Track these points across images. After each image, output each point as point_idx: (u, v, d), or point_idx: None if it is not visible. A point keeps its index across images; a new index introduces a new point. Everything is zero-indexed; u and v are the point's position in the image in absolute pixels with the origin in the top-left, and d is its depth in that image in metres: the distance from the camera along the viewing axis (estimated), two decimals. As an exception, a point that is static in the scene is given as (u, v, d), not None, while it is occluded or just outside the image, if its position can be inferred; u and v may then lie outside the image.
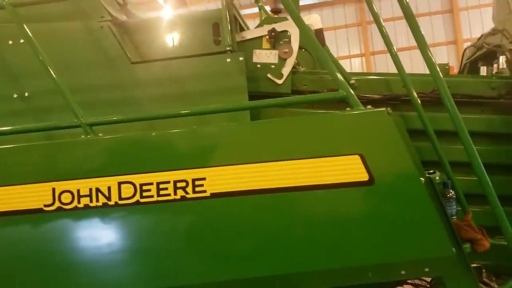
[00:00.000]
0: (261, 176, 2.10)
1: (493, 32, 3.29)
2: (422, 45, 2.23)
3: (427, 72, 2.28)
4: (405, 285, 3.04)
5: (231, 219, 2.14)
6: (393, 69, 2.80)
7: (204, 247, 2.17)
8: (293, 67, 3.02)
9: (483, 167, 2.17)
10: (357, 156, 2.04)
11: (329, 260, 2.11)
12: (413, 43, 2.36)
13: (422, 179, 2.04)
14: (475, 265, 2.65)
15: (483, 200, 2.33)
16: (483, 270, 2.71)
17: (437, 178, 2.17)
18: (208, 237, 2.16)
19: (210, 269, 2.17)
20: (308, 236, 2.11)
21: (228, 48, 2.79)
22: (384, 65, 16.35)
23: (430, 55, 2.24)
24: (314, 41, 2.25)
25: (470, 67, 3.75)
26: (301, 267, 2.12)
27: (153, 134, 2.26)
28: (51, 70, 2.35)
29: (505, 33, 3.02)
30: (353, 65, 17.37)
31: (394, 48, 2.88)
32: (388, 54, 2.89)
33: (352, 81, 3.01)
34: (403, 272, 2.08)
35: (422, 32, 2.25)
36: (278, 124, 2.27)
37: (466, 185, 2.70)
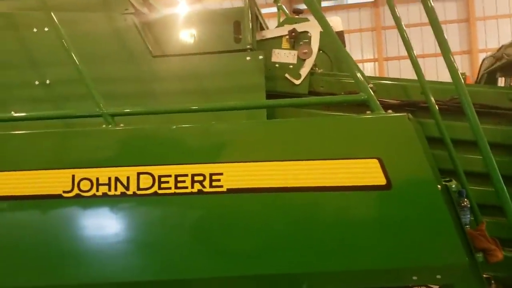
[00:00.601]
0: (277, 174, 2.11)
1: (515, 43, 3.28)
2: (445, 50, 2.23)
3: (439, 80, 2.28)
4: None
5: (246, 215, 2.16)
6: (405, 75, 2.79)
7: (217, 242, 2.19)
8: (311, 69, 3.03)
9: (501, 178, 2.17)
10: (375, 160, 2.05)
11: (342, 262, 2.12)
12: (426, 50, 2.36)
13: (439, 186, 2.04)
14: (484, 275, 2.65)
15: (495, 211, 2.33)
16: (492, 282, 2.70)
17: (454, 186, 2.17)
18: (221, 231, 2.18)
19: (220, 264, 2.19)
20: (322, 237, 2.12)
21: (248, 47, 2.80)
22: (397, 71, 16.29)
23: (453, 61, 2.24)
24: (337, 41, 2.25)
25: (488, 77, 3.74)
26: (313, 267, 2.13)
27: (173, 127, 2.28)
28: (76, 59, 2.37)
29: (528, 45, 3.01)
30: (366, 70, 17.31)
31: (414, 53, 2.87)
32: (401, 61, 2.89)
33: (371, 85, 3.01)
34: (415, 277, 2.09)
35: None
36: (298, 124, 2.28)
37: (480, 195, 2.69)
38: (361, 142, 2.12)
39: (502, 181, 2.16)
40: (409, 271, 2.08)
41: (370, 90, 2.15)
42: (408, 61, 2.80)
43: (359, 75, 2.19)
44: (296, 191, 2.10)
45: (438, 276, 2.08)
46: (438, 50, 2.26)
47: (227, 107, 2.45)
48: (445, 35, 2.26)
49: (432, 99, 2.69)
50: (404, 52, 2.97)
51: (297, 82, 2.98)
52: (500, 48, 3.58)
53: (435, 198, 2.02)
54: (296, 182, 2.10)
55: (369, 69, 17.52)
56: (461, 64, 16.54)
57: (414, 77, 2.77)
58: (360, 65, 17.40)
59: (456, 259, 2.04)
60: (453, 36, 16.77)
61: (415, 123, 2.12)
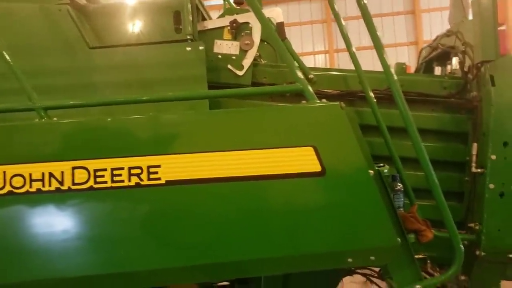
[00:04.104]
0: (217, 165, 2.12)
1: (448, 34, 3.43)
2: (376, 43, 2.32)
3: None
4: (355, 275, 3.15)
5: (186, 207, 2.16)
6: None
7: (158, 234, 2.18)
8: (255, 60, 3.05)
9: (429, 163, 2.28)
10: (310, 148, 2.10)
11: (282, 247, 2.16)
12: (364, 43, 2.47)
13: (371, 171, 2.12)
14: (421, 256, 2.78)
15: (430, 194, 2.44)
16: (428, 261, 2.84)
17: (386, 171, 2.25)
18: (162, 224, 2.17)
19: (164, 255, 2.18)
20: (262, 224, 2.16)
21: (188, 37, 2.79)
22: (347, 62, 16.56)
23: (384, 53, 2.33)
24: (273, 34, 2.29)
25: (426, 67, 3.90)
26: (255, 254, 2.16)
27: (109, 119, 2.24)
28: (4, 52, 2.29)
29: (459, 35, 3.15)
30: (317, 62, 17.55)
31: (358, 45, 2.97)
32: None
33: (311, 76, 3.08)
34: (350, 260, 2.16)
35: (385, 32, 2.34)
36: (235, 114, 2.30)
37: (417, 180, 2.81)
38: (296, 131, 2.16)
39: (430, 165, 2.27)
40: (345, 253, 2.15)
41: (305, 80, 2.19)
42: (358, 53, 2.90)
43: (295, 65, 2.23)
44: (235, 180, 2.12)
45: (372, 258, 2.16)
46: (386, 42, 2.35)
47: (166, 98, 2.43)
48: (393, 26, 2.36)
49: (369, 88, 2.78)
50: (354, 44, 3.05)
51: (240, 73, 3.00)
52: (435, 39, 3.74)
53: (367, 182, 2.10)
54: (234, 172, 2.12)
55: (320, 61, 17.78)
56: (408, 54, 17.07)
57: (364, 67, 2.86)
58: (311, 57, 17.73)
59: (388, 240, 2.12)
60: (400, 27, 17.27)
61: (348, 111, 2.18)
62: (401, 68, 3.80)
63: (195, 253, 2.17)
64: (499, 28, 2.72)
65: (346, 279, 3.33)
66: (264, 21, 2.25)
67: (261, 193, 2.14)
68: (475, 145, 2.77)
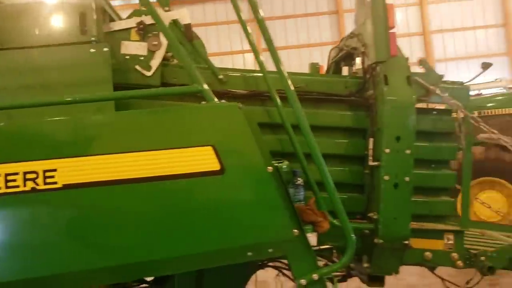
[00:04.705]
0: (116, 167, 2.13)
1: (351, 35, 3.63)
2: (270, 47, 2.44)
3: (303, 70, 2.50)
4: (266, 268, 3.26)
5: (86, 210, 2.16)
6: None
7: (60, 238, 2.16)
8: (166, 60, 3.07)
9: (321, 157, 2.42)
10: (210, 147, 2.17)
11: (184, 246, 2.21)
12: (291, 42, 2.60)
13: (269, 168, 2.22)
14: (327, 246, 2.94)
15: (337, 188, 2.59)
16: (334, 251, 3.01)
17: (284, 167, 2.37)
18: (62, 228, 2.16)
19: (68, 259, 2.17)
20: (165, 224, 2.20)
21: (92, 38, 2.76)
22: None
23: (278, 56, 2.45)
24: (169, 35, 2.33)
25: (335, 67, 4.09)
26: (159, 254, 2.20)
27: (1, 124, 2.18)
28: None
29: (359, 37, 3.35)
30: (246, 61, 17.70)
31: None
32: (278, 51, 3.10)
33: (221, 76, 3.14)
34: (249, 253, 2.24)
35: (311, 32, 2.49)
36: (135, 115, 2.32)
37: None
38: (195, 130, 2.23)
39: (321, 158, 2.42)
40: (244, 248, 2.23)
41: (203, 81, 2.25)
42: (283, 52, 3.01)
43: (193, 67, 2.29)
44: (135, 182, 2.14)
45: (270, 250, 2.26)
46: (312, 41, 2.50)
47: (68, 101, 2.40)
48: (318, 26, 2.50)
49: (273, 88, 2.90)
50: (279, 43, 3.15)
51: (148, 73, 2.99)
52: (341, 40, 3.94)
53: (264, 179, 2.20)
54: (135, 173, 2.14)
55: (250, 60, 17.94)
56: (333, 54, 17.67)
57: (290, 65, 2.96)
58: (240, 55, 17.87)
59: (284, 233, 2.24)
60: (325, 27, 17.83)
61: (246, 111, 2.26)
62: (315, 68, 3.97)
63: (97, 256, 2.17)
64: (390, 31, 2.92)
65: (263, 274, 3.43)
66: (160, 23, 2.29)
67: (162, 193, 2.18)
68: (371, 140, 2.97)
